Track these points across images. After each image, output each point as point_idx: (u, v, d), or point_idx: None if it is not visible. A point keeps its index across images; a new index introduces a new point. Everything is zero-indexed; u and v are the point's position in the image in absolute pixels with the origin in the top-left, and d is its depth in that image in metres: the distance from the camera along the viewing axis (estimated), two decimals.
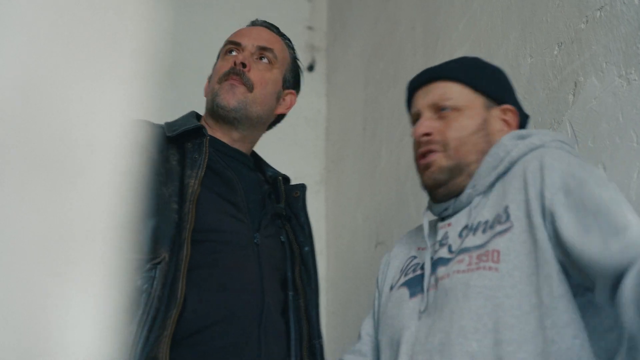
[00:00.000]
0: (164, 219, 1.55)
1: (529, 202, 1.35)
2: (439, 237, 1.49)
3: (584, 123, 1.62)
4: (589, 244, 1.23)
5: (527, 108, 1.67)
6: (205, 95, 1.82)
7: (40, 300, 0.49)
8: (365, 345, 1.61)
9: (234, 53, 1.80)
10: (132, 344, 1.43)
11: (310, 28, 3.37)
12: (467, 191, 1.47)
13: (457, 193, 1.49)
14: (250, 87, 1.74)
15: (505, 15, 2.01)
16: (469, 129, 1.48)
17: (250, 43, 1.80)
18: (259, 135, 1.84)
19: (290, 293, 1.72)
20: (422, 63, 2.49)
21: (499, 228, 1.37)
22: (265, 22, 1.91)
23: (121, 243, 0.53)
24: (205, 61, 3.08)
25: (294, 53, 1.90)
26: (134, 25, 0.55)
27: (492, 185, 1.46)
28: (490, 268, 1.33)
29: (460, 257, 1.40)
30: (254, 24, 1.91)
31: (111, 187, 0.53)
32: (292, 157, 3.01)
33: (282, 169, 1.90)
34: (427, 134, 1.49)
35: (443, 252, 1.45)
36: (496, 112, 1.52)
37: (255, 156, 1.86)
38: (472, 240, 1.40)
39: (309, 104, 3.15)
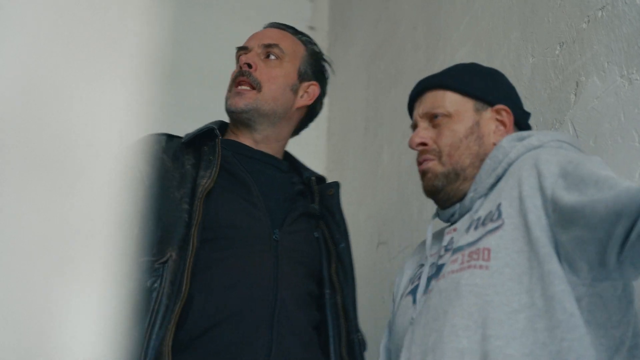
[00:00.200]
0: (173, 220, 1.59)
1: (522, 199, 1.34)
2: (444, 243, 1.50)
3: (586, 123, 1.62)
4: (591, 198, 1.22)
5: (528, 108, 1.67)
6: None
7: (41, 300, 0.49)
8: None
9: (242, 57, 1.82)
10: (142, 340, 1.47)
11: (311, 28, 3.37)
12: (470, 195, 1.49)
13: (460, 198, 1.52)
14: (258, 86, 1.76)
15: (506, 15, 2.01)
16: (460, 134, 1.52)
17: (255, 44, 1.82)
18: (286, 133, 1.84)
19: (327, 291, 1.72)
20: (424, 63, 2.49)
21: (490, 226, 1.37)
22: (274, 23, 1.92)
23: (124, 244, 0.53)
24: (205, 61, 3.08)
25: (313, 46, 1.90)
26: (135, 25, 0.55)
27: (492, 187, 1.47)
28: (481, 267, 1.34)
29: (454, 256, 1.41)
30: (265, 27, 1.92)
31: (111, 187, 0.53)
32: None
33: None
34: (423, 144, 1.55)
35: (447, 258, 1.46)
36: (488, 113, 1.54)
37: (291, 159, 1.88)
38: (465, 238, 1.42)
39: None
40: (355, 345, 1.70)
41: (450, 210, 1.54)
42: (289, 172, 1.84)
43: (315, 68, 1.88)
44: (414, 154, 1.61)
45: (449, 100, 1.55)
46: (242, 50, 1.83)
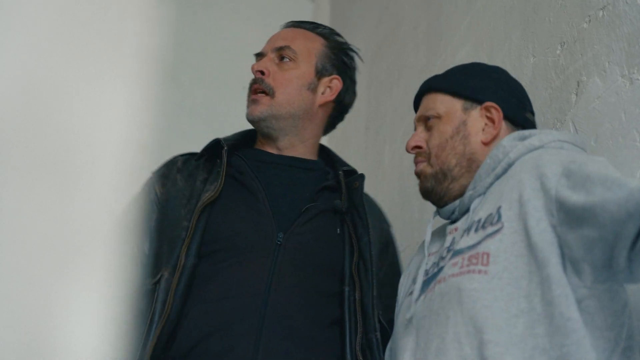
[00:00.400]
0: (170, 239, 1.62)
1: (522, 202, 1.34)
2: (447, 244, 1.50)
3: (587, 123, 1.62)
4: (601, 197, 1.21)
5: None
6: None
7: (42, 300, 0.49)
8: None
9: None
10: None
11: None
12: (468, 193, 1.49)
13: (451, 197, 1.53)
14: (271, 92, 1.76)
15: (507, 15, 2.01)
16: (446, 134, 1.54)
17: (269, 48, 1.82)
18: (311, 132, 1.82)
19: (347, 288, 1.68)
20: (425, 63, 2.49)
21: (490, 229, 1.37)
22: (290, 22, 1.90)
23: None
24: (205, 61, 3.08)
25: (333, 39, 1.87)
26: (136, 25, 0.55)
27: (490, 186, 1.46)
28: (480, 271, 1.34)
29: (454, 259, 1.40)
30: (281, 27, 1.91)
31: (112, 187, 0.53)
32: None
33: None
34: (418, 147, 1.58)
35: (447, 260, 1.46)
36: (476, 112, 1.54)
37: (327, 154, 1.86)
38: (465, 241, 1.41)
39: None
40: (373, 345, 1.65)
41: (450, 208, 1.54)
42: (319, 169, 1.82)
43: (336, 61, 1.85)
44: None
45: (440, 102, 1.57)
46: (258, 56, 1.83)
